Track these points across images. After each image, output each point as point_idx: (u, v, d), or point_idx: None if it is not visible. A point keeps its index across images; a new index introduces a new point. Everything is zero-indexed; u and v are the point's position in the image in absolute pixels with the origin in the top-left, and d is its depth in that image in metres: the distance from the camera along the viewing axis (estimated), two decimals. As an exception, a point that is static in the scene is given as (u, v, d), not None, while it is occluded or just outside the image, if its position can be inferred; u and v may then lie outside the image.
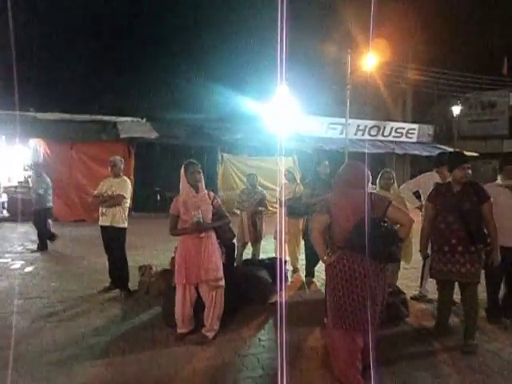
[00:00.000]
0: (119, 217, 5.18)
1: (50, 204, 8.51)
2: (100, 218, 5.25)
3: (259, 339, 3.94)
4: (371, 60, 16.72)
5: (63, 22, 19.54)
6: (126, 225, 5.28)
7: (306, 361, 3.53)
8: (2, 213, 12.70)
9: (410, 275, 5.96)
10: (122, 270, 5.30)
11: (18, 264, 6.83)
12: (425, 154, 19.24)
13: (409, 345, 3.84)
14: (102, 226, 5.25)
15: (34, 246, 8.30)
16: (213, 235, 3.88)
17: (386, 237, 2.87)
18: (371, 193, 3.03)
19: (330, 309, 3.07)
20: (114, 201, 5.13)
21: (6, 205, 13.01)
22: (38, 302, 4.89)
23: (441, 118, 25.29)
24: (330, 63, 18.57)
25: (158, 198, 15.23)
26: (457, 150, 4.96)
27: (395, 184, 5.17)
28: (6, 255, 7.52)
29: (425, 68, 21.03)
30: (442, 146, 21.42)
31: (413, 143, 21.04)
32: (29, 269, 6.54)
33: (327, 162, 5.91)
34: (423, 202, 4.98)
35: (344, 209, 2.96)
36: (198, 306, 3.93)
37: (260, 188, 6.70)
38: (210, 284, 3.80)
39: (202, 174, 3.87)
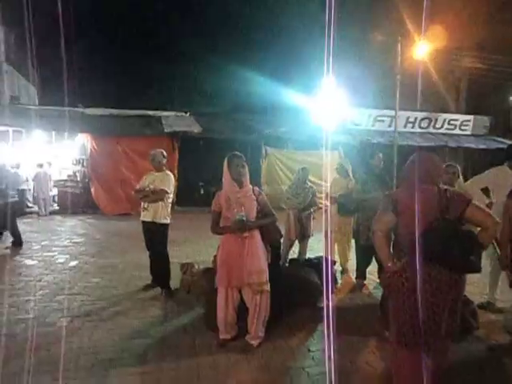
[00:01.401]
0: (161, 212, 4.98)
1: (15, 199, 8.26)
2: (142, 213, 5.07)
3: (308, 350, 3.58)
4: (423, 48, 15.79)
5: (111, 18, 19.88)
6: (168, 221, 5.07)
7: (362, 379, 3.14)
8: (52, 206, 13.03)
9: (473, 279, 5.39)
10: (164, 268, 5.10)
11: (63, 258, 6.83)
12: (481, 147, 18.06)
13: (482, 364, 3.36)
14: (143, 222, 5.06)
15: (81, 240, 8.36)
16: (257, 235, 3.54)
17: (464, 242, 2.41)
18: (446, 189, 2.57)
19: (393, 323, 2.65)
20: (157, 196, 4.93)
21: (56, 198, 13.36)
22: (78, 299, 4.77)
23: (498, 108, 23.71)
24: (378, 52, 17.76)
25: (202, 192, 15.14)
26: None
27: (460, 178, 4.64)
28: (54, 248, 7.57)
29: (481, 55, 19.70)
30: (499, 139, 20.05)
31: (467, 136, 19.79)
32: (73, 263, 6.51)
33: (381, 155, 5.43)
34: (492, 200, 4.45)
35: (414, 208, 2.53)
36: (243, 311, 3.63)
37: (310, 183, 6.30)
38: (253, 288, 3.48)
39: (246, 167, 3.54)
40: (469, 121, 20.00)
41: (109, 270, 6.14)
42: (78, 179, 13.41)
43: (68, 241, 8.43)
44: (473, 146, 17.89)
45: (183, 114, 15.38)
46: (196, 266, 5.36)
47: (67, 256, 6.98)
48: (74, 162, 13.90)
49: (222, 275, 3.49)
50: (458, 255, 2.42)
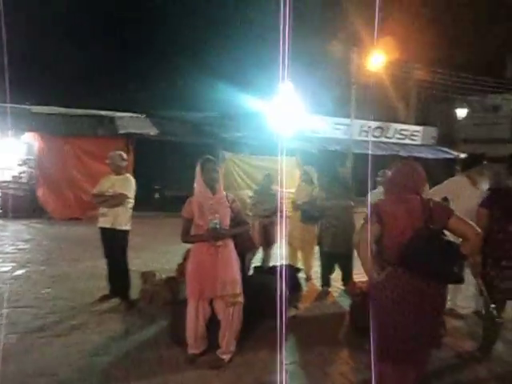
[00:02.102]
0: (121, 218, 4.69)
1: None
2: (100, 219, 4.75)
3: (281, 363, 3.45)
4: (377, 59, 16.31)
5: (60, 14, 18.94)
6: (128, 227, 4.79)
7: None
8: (-7, 209, 12.12)
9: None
10: (123, 277, 4.80)
11: (7, 266, 6.30)
12: (430, 156, 18.87)
13: (453, 371, 3.38)
14: (101, 228, 4.75)
15: (27, 246, 7.78)
16: (231, 244, 3.38)
17: (447, 253, 2.39)
18: (429, 199, 2.54)
19: (375, 336, 2.58)
20: (116, 200, 4.64)
21: (-1, 201, 12.44)
22: (27, 313, 4.37)
23: (444, 120, 24.94)
24: (335, 62, 18.14)
25: (157, 196, 14.71)
26: None
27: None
28: (-4, 256, 6.99)
29: (429, 68, 20.66)
30: (445, 149, 21.07)
31: (417, 145, 20.64)
32: (19, 272, 6.02)
33: (349, 164, 5.45)
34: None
35: (398, 218, 2.48)
36: (212, 324, 3.44)
37: (274, 189, 6.21)
38: (226, 300, 3.31)
39: (219, 172, 3.38)
40: (418, 131, 20.89)
41: (60, 279, 5.72)
42: (24, 181, 12.57)
43: (12, 247, 7.82)
44: (423, 155, 18.61)
45: (138, 115, 14.89)
46: (157, 275, 5.10)
47: (13, 264, 6.45)
48: (20, 163, 13.02)
49: (194, 286, 3.30)
50: (442, 266, 2.39)
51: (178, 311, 3.74)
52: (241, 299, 3.38)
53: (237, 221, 3.43)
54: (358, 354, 3.49)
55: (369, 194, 5.70)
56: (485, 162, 4.62)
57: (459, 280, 2.45)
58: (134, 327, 4.11)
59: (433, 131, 21.60)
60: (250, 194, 12.37)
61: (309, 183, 6.20)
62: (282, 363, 3.42)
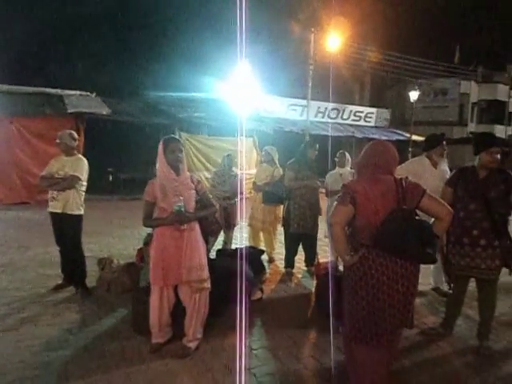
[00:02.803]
0: (73, 202, 4.38)
1: None
2: (50, 203, 4.41)
3: (251, 348, 3.37)
4: (333, 41, 16.33)
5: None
6: (81, 211, 4.49)
7: (311, 375, 3.01)
8: None
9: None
10: (78, 264, 4.52)
11: None
12: (383, 138, 19.26)
13: (418, 348, 3.42)
14: (52, 213, 4.42)
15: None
16: (196, 227, 3.22)
17: (421, 233, 2.35)
18: (401, 179, 2.49)
19: (349, 319, 2.53)
20: (68, 183, 4.32)
21: None
22: (-28, 306, 4.03)
23: (395, 102, 25.62)
24: (291, 42, 18.00)
25: (111, 179, 14.13)
26: (487, 131, 4.53)
27: None
28: None
29: (382, 51, 21.02)
30: (398, 131, 21.68)
31: (371, 127, 21.08)
32: (-39, 262, 5.56)
33: (317, 145, 5.38)
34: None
35: (372, 199, 2.41)
36: (177, 310, 3.29)
37: (235, 170, 6.05)
38: (192, 286, 3.16)
39: (184, 152, 3.17)
40: (372, 113, 21.31)
41: (8, 268, 5.33)
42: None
43: (-48, 235, 7.24)
44: (376, 136, 19.02)
45: (89, 93, 14.13)
46: (115, 261, 4.85)
47: (-47, 253, 5.96)
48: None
49: (157, 273, 3.11)
50: (415, 246, 2.35)
51: (139, 298, 3.56)
52: (207, 285, 3.24)
53: (202, 203, 3.26)
54: (327, 335, 3.46)
55: (328, 175, 5.72)
56: (444, 143, 4.69)
57: (433, 260, 2.44)
58: (92, 317, 3.88)
59: (386, 113, 22.12)
60: (208, 175, 12.19)
61: (270, 164, 6.08)
62: (250, 348, 3.35)
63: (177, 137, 3.14)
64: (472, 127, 28.99)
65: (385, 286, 2.41)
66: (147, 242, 4.37)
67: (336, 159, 5.79)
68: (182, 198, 3.04)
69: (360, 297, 2.45)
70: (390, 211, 2.37)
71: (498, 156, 3.30)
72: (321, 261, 5.14)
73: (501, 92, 30.18)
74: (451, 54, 29.37)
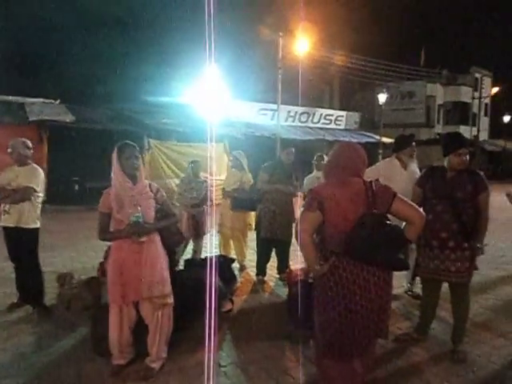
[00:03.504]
0: (28, 215, 4.10)
1: None
2: (2, 217, 4.12)
3: (219, 365, 3.18)
4: (302, 45, 16.38)
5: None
6: (37, 225, 4.21)
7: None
8: None
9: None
10: (35, 281, 4.22)
11: None
12: (353, 140, 19.46)
13: (393, 356, 3.31)
14: (4, 228, 4.12)
15: None
16: (157, 239, 3.01)
17: (392, 239, 2.23)
18: (371, 182, 2.36)
19: (320, 332, 2.38)
20: (21, 195, 4.04)
21: None
22: None
23: (364, 105, 25.98)
24: (260, 47, 17.95)
25: (77, 188, 13.65)
26: (456, 131, 4.49)
27: None
28: None
29: (350, 55, 21.28)
30: (367, 133, 21.94)
31: (341, 130, 21.25)
32: None
33: (293, 149, 5.25)
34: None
35: (341, 204, 2.28)
36: (139, 329, 3.07)
37: (202, 177, 5.87)
38: (154, 302, 2.96)
39: (141, 159, 2.98)
40: (342, 116, 21.49)
41: (-41, 288, 4.96)
42: None
43: None
44: (347, 139, 19.16)
45: (52, 101, 13.66)
46: (76, 277, 4.58)
47: None
48: None
49: (115, 290, 2.89)
50: (387, 252, 2.23)
51: (101, 316, 3.31)
52: (170, 300, 3.04)
53: (163, 213, 3.07)
54: (300, 347, 3.32)
55: (305, 179, 5.62)
56: (413, 144, 4.65)
57: (405, 267, 2.32)
58: (49, 338, 3.60)
59: (356, 116, 22.35)
60: (178, 182, 11.93)
61: (239, 169, 5.93)
62: (219, 365, 3.16)
63: (131, 143, 2.93)
64: (439, 128, 29.72)
65: (357, 296, 2.27)
66: (107, 256, 4.13)
67: (314, 162, 5.69)
68: (139, 208, 2.84)
69: (331, 308, 2.31)
70: (359, 216, 2.25)
71: (467, 157, 3.24)
72: (293, 268, 5.00)
73: (465, 94, 31.10)
74: (417, 57, 30.07)
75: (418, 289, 4.68)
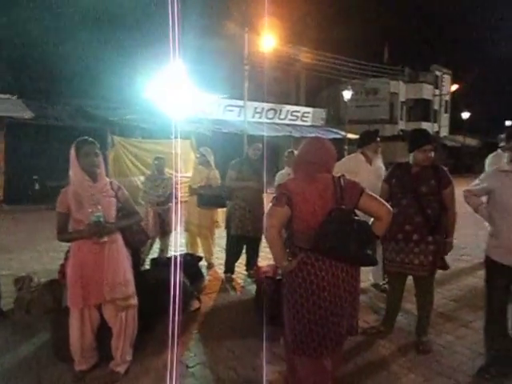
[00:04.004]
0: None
1: None
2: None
3: (187, 366, 3.11)
4: (267, 41, 16.38)
5: None
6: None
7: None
8: None
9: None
10: (-10, 286, 4.02)
11: None
12: (313, 136, 19.67)
13: (361, 350, 3.34)
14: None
15: None
16: (119, 239, 2.90)
17: (361, 235, 2.23)
18: (339, 177, 2.35)
19: (289, 329, 2.35)
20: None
21: None
22: None
23: (330, 102, 26.31)
24: (229, 43, 17.80)
25: (37, 187, 13.13)
26: (422, 128, 4.56)
27: None
28: None
29: (316, 52, 21.46)
30: (334, 129, 22.22)
31: (308, 126, 21.42)
32: None
33: (260, 145, 5.20)
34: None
35: (310, 199, 2.25)
36: (103, 331, 2.96)
37: (168, 174, 5.75)
38: (117, 304, 2.85)
39: (101, 156, 2.86)
40: (309, 112, 21.66)
41: None
42: None
43: None
44: (313, 135, 19.28)
45: (9, 96, 13.08)
46: (35, 279, 4.38)
47: None
48: None
49: (76, 293, 2.77)
50: (355, 248, 2.22)
51: (60, 321, 3.18)
52: (134, 301, 2.94)
53: (125, 212, 2.96)
54: (269, 344, 3.29)
55: (277, 175, 5.59)
56: (378, 140, 4.70)
57: (373, 262, 2.33)
58: (7, 344, 3.43)
59: (322, 112, 22.57)
60: (144, 180, 11.69)
61: (206, 166, 5.85)
62: (186, 366, 3.09)
63: (91, 139, 2.80)
64: (402, 125, 30.49)
65: (326, 292, 2.26)
66: (68, 256, 3.97)
67: (285, 158, 5.67)
68: (100, 207, 2.72)
69: (300, 305, 2.28)
70: (328, 212, 2.23)
71: (432, 154, 3.30)
72: (261, 264, 4.99)
73: (426, 91, 32.01)
74: (381, 55, 30.70)
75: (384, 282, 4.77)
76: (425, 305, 3.41)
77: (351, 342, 3.38)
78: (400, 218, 3.25)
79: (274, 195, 2.34)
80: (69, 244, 3.04)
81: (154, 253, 5.71)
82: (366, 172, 4.52)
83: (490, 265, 3.00)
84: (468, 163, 29.01)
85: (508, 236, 2.85)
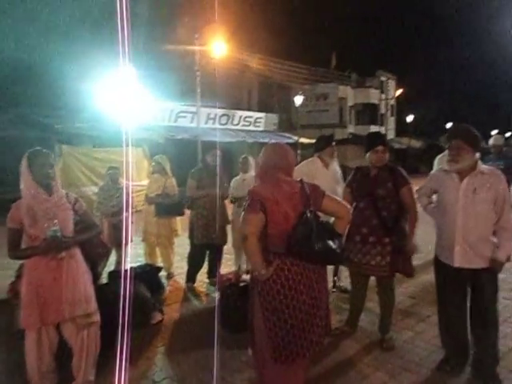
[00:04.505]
0: None
1: None
2: None
3: (153, 381, 3.01)
4: (220, 47, 16.37)
5: None
6: None
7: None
8: None
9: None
10: None
11: None
12: (273, 141, 19.82)
13: (327, 349, 3.36)
14: None
15: None
16: (77, 253, 2.77)
17: (329, 234, 2.27)
18: (301, 180, 2.39)
19: (269, 337, 2.30)
20: None
21: None
22: None
23: (282, 107, 26.66)
24: (178, 50, 17.62)
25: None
26: (376, 131, 4.68)
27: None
28: None
29: (267, 58, 21.74)
30: (286, 134, 22.53)
31: (261, 132, 21.58)
32: None
33: (218, 151, 5.15)
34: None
35: (281, 203, 2.27)
36: (62, 351, 2.81)
37: (123, 184, 5.57)
38: (78, 322, 2.71)
39: (55, 167, 2.72)
40: (261, 118, 21.83)
41: None
42: None
43: None
44: (266, 140, 19.48)
45: None
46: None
47: None
48: None
49: (32, 313, 2.60)
50: (327, 248, 2.26)
51: (14, 343, 2.99)
52: (96, 318, 2.81)
53: (83, 225, 2.83)
54: (235, 352, 3.27)
55: (232, 181, 5.56)
56: (334, 144, 4.81)
57: (341, 260, 2.38)
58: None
59: (274, 118, 22.82)
60: (96, 190, 11.27)
61: (162, 174, 5.73)
62: (153, 382, 3.00)
63: (44, 150, 2.66)
64: (351, 128, 31.40)
65: (304, 296, 2.29)
66: (20, 275, 3.74)
67: (239, 164, 5.66)
68: (56, 221, 2.58)
69: (281, 311, 2.29)
70: (299, 215, 2.26)
71: (386, 155, 3.41)
72: (223, 272, 4.94)
73: (373, 96, 33.20)
74: (329, 61, 31.54)
75: (345, 283, 4.88)
76: (387, 304, 3.51)
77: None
78: (357, 221, 3.35)
79: (247, 202, 2.32)
80: (20, 261, 2.88)
81: (111, 265, 5.51)
82: (324, 176, 4.61)
83: (437, 264, 3.07)
84: (414, 164, 30.28)
85: (448, 236, 2.91)
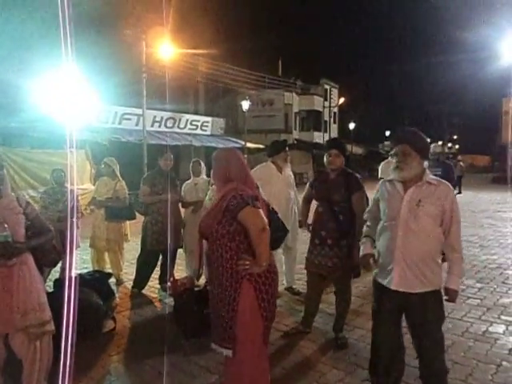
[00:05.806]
0: None
1: None
2: None
3: (109, 391, 2.92)
4: (166, 50, 16.15)
5: None
6: None
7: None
8: None
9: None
10: None
11: None
12: (220, 146, 19.85)
13: (284, 351, 3.44)
14: None
15: None
16: (29, 260, 2.63)
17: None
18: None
19: (256, 334, 2.35)
20: None
21: None
22: None
23: (228, 112, 26.77)
24: (124, 51, 17.16)
25: None
26: (334, 137, 4.81)
27: None
28: None
29: (215, 62, 21.76)
30: (233, 139, 22.64)
31: (207, 136, 21.54)
32: None
33: (171, 155, 5.07)
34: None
35: (260, 202, 2.42)
36: (12, 364, 2.65)
37: (69, 187, 5.34)
38: (30, 332, 2.57)
39: (4, 170, 2.57)
40: (208, 122, 21.81)
41: None
42: None
43: None
44: (213, 145, 19.49)
45: None
46: None
47: None
48: None
49: (-22, 324, 2.44)
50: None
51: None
52: (50, 327, 2.68)
53: (35, 229, 2.69)
54: (193, 356, 3.24)
55: (183, 185, 5.49)
56: (287, 149, 4.92)
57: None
58: None
59: (221, 122, 22.88)
60: (33, 193, 10.71)
61: (112, 176, 5.57)
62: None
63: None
64: (296, 134, 32.13)
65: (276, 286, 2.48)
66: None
67: (190, 169, 5.61)
68: (6, 225, 2.44)
69: (272, 304, 2.41)
70: (266, 212, 2.43)
71: (339, 159, 3.53)
72: (177, 277, 4.86)
73: (317, 103, 34.22)
74: (276, 68, 32.13)
75: (296, 285, 4.99)
76: (342, 304, 3.65)
77: (275, 346, 3.49)
78: (316, 224, 3.49)
79: (248, 200, 2.27)
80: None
81: (55, 273, 5.25)
82: (277, 180, 4.72)
83: (374, 284, 2.72)
84: (355, 170, 31.40)
85: (386, 254, 2.53)
